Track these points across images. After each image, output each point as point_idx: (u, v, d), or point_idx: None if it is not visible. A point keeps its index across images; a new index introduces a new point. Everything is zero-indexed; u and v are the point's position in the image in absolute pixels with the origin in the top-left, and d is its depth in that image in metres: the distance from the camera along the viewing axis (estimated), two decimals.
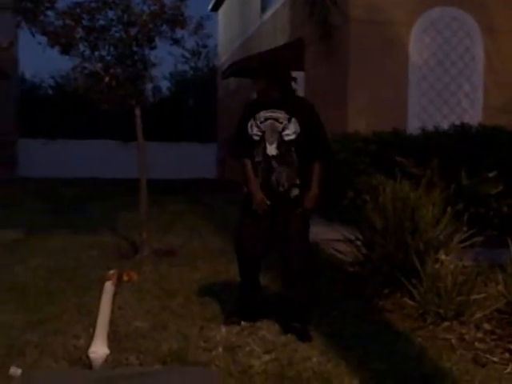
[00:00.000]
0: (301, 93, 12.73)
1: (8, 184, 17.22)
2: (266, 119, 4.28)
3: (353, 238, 5.38)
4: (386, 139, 9.19)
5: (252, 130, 4.30)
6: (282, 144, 4.24)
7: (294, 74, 12.63)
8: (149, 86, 24.13)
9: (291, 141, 4.24)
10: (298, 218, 4.27)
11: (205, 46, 27.65)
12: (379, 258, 4.91)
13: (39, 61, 29.72)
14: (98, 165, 22.03)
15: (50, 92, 26.39)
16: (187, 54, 27.61)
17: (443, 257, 4.66)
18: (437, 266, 4.57)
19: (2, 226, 8.68)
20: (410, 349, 3.94)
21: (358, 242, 5.30)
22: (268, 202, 4.26)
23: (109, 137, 22.53)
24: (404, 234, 4.79)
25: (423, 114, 10.62)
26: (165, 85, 28.16)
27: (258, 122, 4.29)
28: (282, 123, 4.25)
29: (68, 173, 21.17)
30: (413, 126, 10.07)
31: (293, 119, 4.25)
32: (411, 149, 8.76)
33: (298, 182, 4.26)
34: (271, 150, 4.25)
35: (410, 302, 4.55)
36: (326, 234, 7.19)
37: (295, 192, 4.26)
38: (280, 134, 4.24)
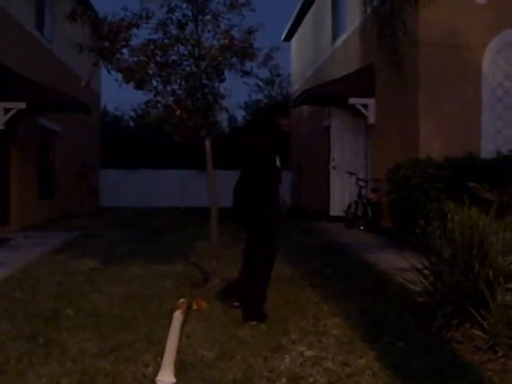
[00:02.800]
0: (372, 119, 12.72)
1: (89, 214, 17.93)
2: None
3: (420, 266, 5.29)
4: (459, 164, 9.02)
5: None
6: None
7: (365, 100, 12.72)
8: (224, 117, 24.63)
9: None
10: None
11: (278, 75, 28.00)
12: (447, 287, 4.81)
13: (121, 94, 30.91)
14: (177, 194, 22.56)
15: (131, 124, 27.34)
16: (261, 84, 28.07)
17: None
18: (507, 295, 4.43)
19: (81, 256, 9.07)
20: (479, 383, 3.83)
21: (426, 271, 5.21)
22: None
23: (187, 166, 23.04)
24: (472, 262, 4.68)
25: (498, 137, 10.33)
26: (241, 114, 28.71)
27: None
28: None
29: (147, 202, 21.83)
30: (487, 150, 9.82)
31: None
32: (485, 173, 8.57)
33: None
34: None
35: (480, 334, 4.42)
36: (397, 263, 7.09)
37: None
38: None
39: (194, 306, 5.74)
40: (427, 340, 4.63)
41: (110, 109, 27.34)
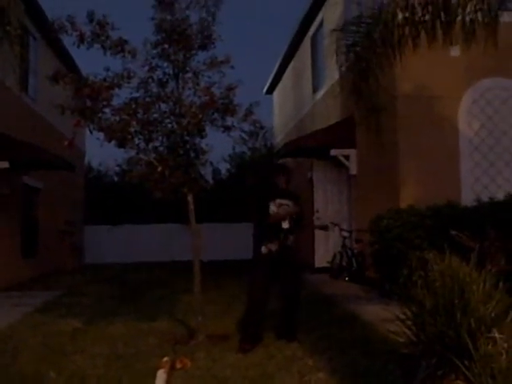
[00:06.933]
0: (353, 170, 12.87)
1: (73, 271, 17.75)
2: (281, 204, 6.82)
3: (403, 317, 5.28)
4: (440, 212, 9.10)
5: (273, 210, 6.77)
6: (291, 221, 6.83)
7: (347, 151, 12.89)
8: (209, 170, 24.73)
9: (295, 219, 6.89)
10: (296, 263, 7.06)
11: (262, 128, 28.26)
12: (430, 337, 4.79)
13: (106, 149, 31.07)
14: (162, 248, 22.43)
15: (116, 179, 27.34)
16: (245, 136, 28.30)
17: (496, 335, 4.51)
18: (489, 345, 4.42)
19: (64, 315, 8.96)
20: None
21: (409, 322, 5.20)
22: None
23: (172, 220, 22.93)
24: (454, 311, 4.68)
25: (477, 185, 10.48)
26: (225, 167, 28.86)
27: (277, 205, 6.80)
28: (290, 207, 6.86)
29: (132, 258, 21.67)
30: (467, 198, 9.94)
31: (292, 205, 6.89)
32: (467, 221, 8.64)
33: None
34: (285, 224, 6.78)
35: None
36: (382, 314, 7.06)
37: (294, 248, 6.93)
38: (290, 213, 6.84)
39: (178, 365, 5.66)
40: None
41: (95, 164, 27.44)
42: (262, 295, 6.66)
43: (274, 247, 6.70)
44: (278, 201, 6.82)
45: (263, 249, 6.70)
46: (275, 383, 5.03)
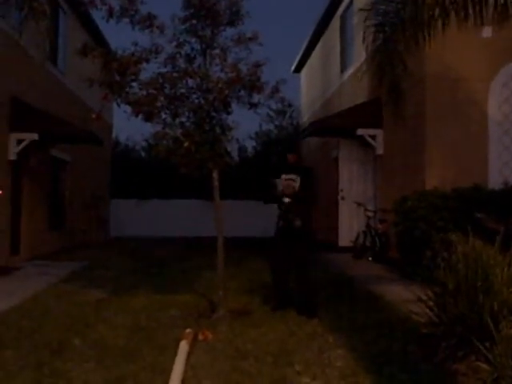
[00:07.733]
0: (380, 150, 12.79)
1: (99, 244, 17.99)
2: (287, 179, 7.16)
3: (425, 297, 5.29)
4: (465, 195, 9.03)
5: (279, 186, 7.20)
6: (293, 197, 7.10)
7: (373, 131, 12.79)
8: (235, 147, 24.74)
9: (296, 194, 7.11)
10: (302, 240, 7.10)
11: (290, 105, 28.12)
12: (451, 318, 4.80)
13: (133, 124, 31.19)
14: (187, 224, 22.57)
15: (143, 154, 27.48)
16: (272, 114, 28.19)
17: None
18: None
19: (88, 286, 9.11)
20: None
21: (431, 303, 5.21)
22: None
23: (196, 196, 23.04)
24: (476, 293, 4.68)
25: (506, 168, 10.34)
26: (251, 144, 28.85)
27: (283, 180, 7.19)
28: (295, 182, 7.13)
29: (157, 232, 21.87)
30: (495, 182, 9.83)
31: (299, 180, 7.15)
32: (493, 204, 8.58)
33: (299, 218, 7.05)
34: (286, 199, 7.09)
35: (484, 366, 4.40)
36: (403, 294, 7.07)
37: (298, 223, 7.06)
38: (294, 188, 7.12)
39: (200, 337, 5.76)
40: (431, 372, 4.62)
41: (122, 139, 27.57)
42: (279, 271, 7.23)
43: (282, 223, 7.21)
44: (284, 176, 7.24)
45: (280, 224, 7.24)
46: (296, 358, 5.08)
